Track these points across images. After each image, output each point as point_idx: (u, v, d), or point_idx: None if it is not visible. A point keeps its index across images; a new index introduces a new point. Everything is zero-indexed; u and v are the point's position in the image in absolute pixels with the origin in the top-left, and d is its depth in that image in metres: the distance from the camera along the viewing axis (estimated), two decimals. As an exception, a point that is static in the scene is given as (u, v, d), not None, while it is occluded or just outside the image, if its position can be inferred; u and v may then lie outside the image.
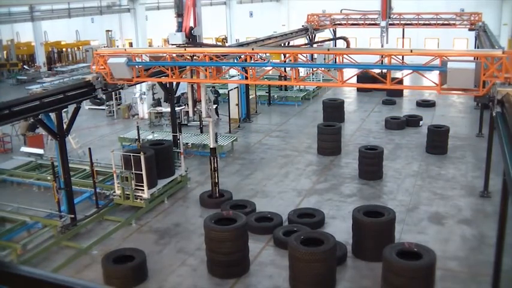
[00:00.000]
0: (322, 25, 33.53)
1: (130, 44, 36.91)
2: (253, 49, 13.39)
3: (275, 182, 16.22)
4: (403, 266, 9.15)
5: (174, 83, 17.95)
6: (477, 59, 10.48)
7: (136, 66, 13.53)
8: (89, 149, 14.29)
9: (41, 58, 40.15)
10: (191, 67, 13.57)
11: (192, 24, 14.19)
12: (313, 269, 9.62)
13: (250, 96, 24.46)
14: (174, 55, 13.58)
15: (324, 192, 15.20)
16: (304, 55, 13.57)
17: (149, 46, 40.53)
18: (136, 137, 16.38)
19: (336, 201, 14.50)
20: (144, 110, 25.11)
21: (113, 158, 14.03)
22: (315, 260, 9.59)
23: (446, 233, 12.49)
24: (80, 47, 46.90)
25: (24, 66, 41.16)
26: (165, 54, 13.81)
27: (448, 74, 10.31)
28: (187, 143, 18.82)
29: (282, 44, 29.72)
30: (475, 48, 31.31)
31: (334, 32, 37.42)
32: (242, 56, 14.18)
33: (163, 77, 14.66)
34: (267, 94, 27.36)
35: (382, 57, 12.54)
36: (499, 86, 9.90)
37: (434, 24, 31.02)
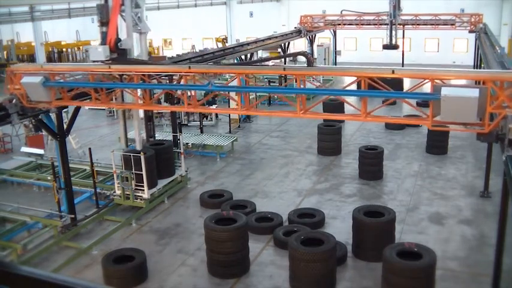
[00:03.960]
0: (316, 26, 32.92)
1: (131, 44, 36.85)
2: (189, 68, 10.69)
3: (275, 182, 16.22)
4: (404, 266, 9.15)
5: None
6: (482, 82, 8.27)
7: (56, 87, 11.35)
8: (89, 149, 14.29)
9: (41, 58, 40.11)
10: (120, 89, 11.48)
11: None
12: (313, 269, 9.62)
13: (251, 97, 24.42)
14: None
15: (324, 192, 15.20)
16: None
17: (149, 46, 40.52)
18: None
19: (336, 201, 14.50)
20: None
21: (113, 158, 14.02)
22: (315, 260, 9.60)
23: (447, 233, 12.49)
24: (80, 47, 46.89)
25: (25, 67, 41.12)
26: (85, 73, 11.62)
27: (442, 104, 8.02)
28: (187, 143, 18.82)
29: (282, 45, 29.56)
30: (475, 49, 31.23)
31: (335, 32, 37.42)
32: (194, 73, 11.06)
33: (87, 101, 12.26)
34: (267, 94, 27.33)
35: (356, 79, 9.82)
36: (511, 120, 7.67)
37: (433, 25, 30.91)
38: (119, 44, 11.38)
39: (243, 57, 23.04)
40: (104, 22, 11.49)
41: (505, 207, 8.92)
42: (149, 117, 14.86)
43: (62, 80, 11.52)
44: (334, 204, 14.28)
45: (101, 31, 11.66)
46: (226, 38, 39.47)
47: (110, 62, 11.23)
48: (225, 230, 10.46)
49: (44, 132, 17.16)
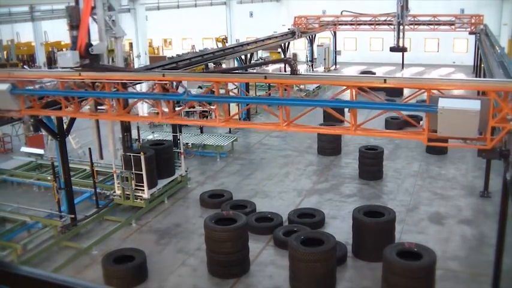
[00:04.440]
0: (310, 28, 31.90)
1: (131, 44, 36.78)
2: (164, 75, 10.11)
3: (275, 182, 16.22)
4: (404, 266, 9.15)
5: (174, 83, 17.67)
6: (484, 93, 7.56)
7: (25, 95, 10.72)
8: (89, 149, 14.29)
9: (41, 58, 40.14)
10: (93, 98, 10.79)
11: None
12: (313, 269, 9.62)
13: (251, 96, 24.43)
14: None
15: (324, 192, 15.20)
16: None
17: (149, 46, 40.51)
18: (137, 137, 16.37)
19: (336, 201, 14.51)
20: (144, 110, 25.09)
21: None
22: (315, 260, 9.60)
23: (447, 233, 12.49)
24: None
25: (24, 67, 41.12)
26: (54, 81, 10.95)
27: (439, 117, 7.30)
28: (187, 143, 18.82)
29: (282, 45, 29.28)
30: (475, 49, 31.18)
31: (334, 32, 37.35)
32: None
33: (61, 111, 11.23)
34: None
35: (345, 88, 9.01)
36: None
37: (433, 25, 30.60)
38: (90, 49, 10.52)
39: (243, 57, 22.98)
40: (74, 25, 10.54)
41: (505, 207, 8.92)
42: (126, 128, 14.01)
43: (31, 87, 10.94)
44: (334, 204, 14.28)
45: (71, 35, 10.69)
46: (226, 38, 39.41)
47: (80, 68, 10.43)
48: (225, 230, 10.47)
49: (44, 132, 17.15)
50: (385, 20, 30.78)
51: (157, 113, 10.62)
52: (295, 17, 31.86)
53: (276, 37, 27.03)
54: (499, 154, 7.48)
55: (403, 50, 23.01)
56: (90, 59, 10.58)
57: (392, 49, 23.28)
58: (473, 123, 7.09)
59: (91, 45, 10.59)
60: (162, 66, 15.04)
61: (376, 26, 31.54)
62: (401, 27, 22.26)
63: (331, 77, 11.25)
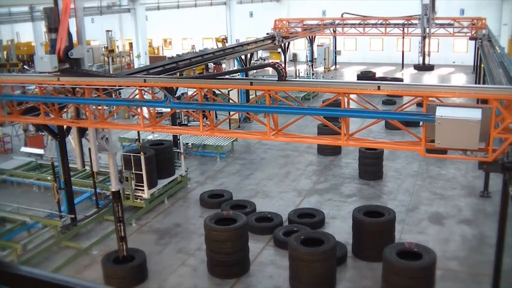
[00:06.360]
0: (292, 32, 29.68)
1: (131, 44, 36.85)
2: (145, 81, 9.58)
3: (275, 182, 16.22)
4: (403, 266, 9.16)
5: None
6: (485, 101, 7.05)
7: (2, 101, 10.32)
8: (89, 149, 14.27)
9: (41, 58, 40.08)
10: (73, 104, 10.28)
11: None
12: (313, 269, 9.63)
13: (251, 96, 24.42)
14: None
15: (324, 192, 15.21)
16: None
17: (149, 46, 40.54)
18: (137, 137, 16.39)
19: (336, 201, 14.51)
20: (144, 110, 25.05)
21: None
22: (315, 260, 9.60)
23: (447, 233, 12.50)
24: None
25: (24, 67, 41.13)
26: (33, 86, 10.37)
27: (437, 127, 6.83)
28: (187, 143, 18.83)
29: (281, 45, 29.13)
30: (475, 49, 31.14)
31: (335, 38, 37.29)
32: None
33: (40, 118, 10.51)
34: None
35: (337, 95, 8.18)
36: None
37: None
38: (69, 53, 9.88)
39: (242, 57, 22.94)
40: (53, 28, 9.89)
41: (505, 207, 8.91)
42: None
43: (9, 93, 10.41)
44: (334, 204, 14.29)
45: (49, 38, 10.11)
46: (226, 38, 39.43)
47: (58, 73, 9.81)
48: (225, 230, 10.47)
49: (44, 132, 17.16)
50: (375, 24, 30.09)
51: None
52: (275, 20, 29.74)
53: (250, 44, 23.94)
54: (502, 167, 7.00)
55: (429, 68, 19.68)
56: (69, 64, 10.00)
57: (417, 67, 19.84)
58: (473, 134, 6.65)
59: (69, 48, 9.93)
60: (162, 66, 15.07)
61: (366, 31, 29.99)
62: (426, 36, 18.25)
63: (321, 83, 10.49)
